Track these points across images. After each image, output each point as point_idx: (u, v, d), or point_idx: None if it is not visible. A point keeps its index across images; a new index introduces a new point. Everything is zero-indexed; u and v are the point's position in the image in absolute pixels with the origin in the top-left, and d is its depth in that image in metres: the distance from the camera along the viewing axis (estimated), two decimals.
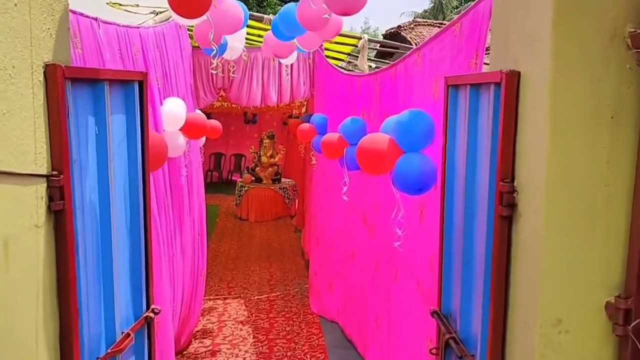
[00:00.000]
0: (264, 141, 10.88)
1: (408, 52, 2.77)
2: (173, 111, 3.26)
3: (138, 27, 3.18)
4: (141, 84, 1.79)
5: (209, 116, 13.37)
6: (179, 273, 3.65)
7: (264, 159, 10.77)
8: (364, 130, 3.69)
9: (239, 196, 10.62)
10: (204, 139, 5.16)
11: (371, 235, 3.83)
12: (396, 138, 2.43)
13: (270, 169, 10.79)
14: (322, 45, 5.98)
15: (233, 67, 5.99)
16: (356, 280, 4.29)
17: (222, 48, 4.14)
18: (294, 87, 6.26)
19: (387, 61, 8.13)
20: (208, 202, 12.31)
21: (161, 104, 3.33)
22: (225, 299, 6.15)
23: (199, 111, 5.05)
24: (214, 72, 6.07)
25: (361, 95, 3.91)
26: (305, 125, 5.51)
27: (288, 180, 11.30)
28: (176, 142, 3.30)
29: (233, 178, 13.66)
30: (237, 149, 14.64)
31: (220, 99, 8.05)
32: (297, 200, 10.74)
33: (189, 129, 3.39)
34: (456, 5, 23.23)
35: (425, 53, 2.46)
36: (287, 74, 6.24)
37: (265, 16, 5.76)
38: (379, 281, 3.48)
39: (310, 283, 6.15)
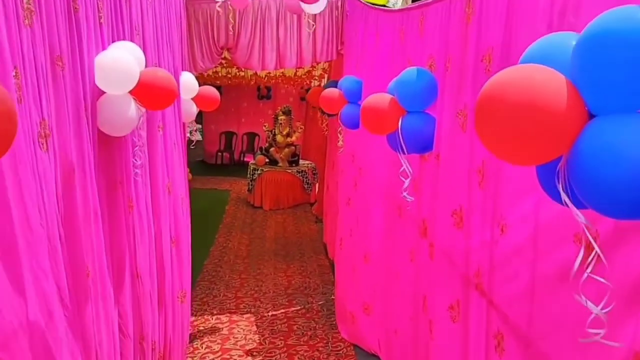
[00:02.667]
0: (279, 118, 9.50)
1: None
2: (118, 62, 1.93)
3: None
4: None
5: (218, 89, 12.03)
6: (127, 308, 2.33)
7: (279, 138, 9.40)
8: (433, 88, 2.32)
9: (251, 180, 9.31)
10: (193, 110, 3.83)
11: (434, 257, 2.47)
12: (578, 85, 1.04)
13: (286, 149, 9.43)
14: None
15: (232, 14, 4.65)
16: (408, 315, 2.95)
17: None
18: (317, 46, 4.86)
19: None
20: (217, 186, 11.10)
21: (104, 48, 1.99)
22: (231, 313, 4.88)
23: (190, 73, 3.73)
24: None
25: (426, 36, 2.52)
26: (332, 92, 4.15)
27: (307, 162, 9.96)
28: (121, 113, 1.98)
29: (245, 159, 12.37)
30: (250, 128, 13.32)
31: (224, 63, 6.72)
32: (317, 185, 9.42)
33: (146, 91, 2.05)
34: None
35: None
36: (309, 29, 4.85)
37: None
38: (461, 339, 2.13)
39: (336, 296, 4.84)
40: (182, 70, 4.06)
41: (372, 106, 2.42)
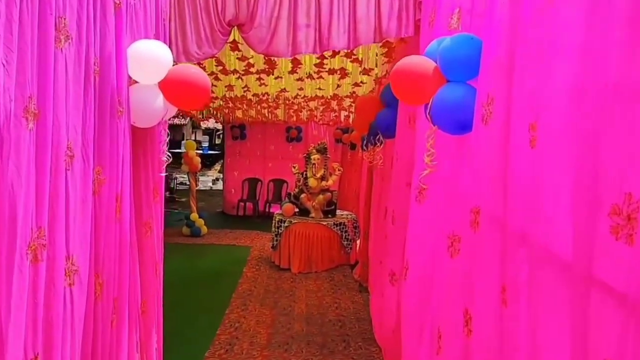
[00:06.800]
0: (312, 157, 7.62)
1: None
2: None
3: None
4: None
5: (241, 129, 10.18)
6: None
7: (312, 182, 7.50)
8: None
9: (276, 235, 7.36)
10: (156, 106, 1.95)
11: None
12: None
13: (320, 196, 7.49)
14: None
15: None
16: None
17: None
18: (382, 13, 3.01)
19: None
20: (236, 242, 9.13)
21: None
22: None
23: (155, 41, 1.90)
24: None
25: None
26: (420, 62, 2.23)
27: (346, 212, 8.00)
28: None
29: (271, 210, 10.49)
30: (277, 174, 11.53)
31: (241, 71, 4.95)
32: (358, 242, 7.41)
33: None
34: None
35: None
36: None
37: None
38: None
39: None
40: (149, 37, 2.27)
41: None
